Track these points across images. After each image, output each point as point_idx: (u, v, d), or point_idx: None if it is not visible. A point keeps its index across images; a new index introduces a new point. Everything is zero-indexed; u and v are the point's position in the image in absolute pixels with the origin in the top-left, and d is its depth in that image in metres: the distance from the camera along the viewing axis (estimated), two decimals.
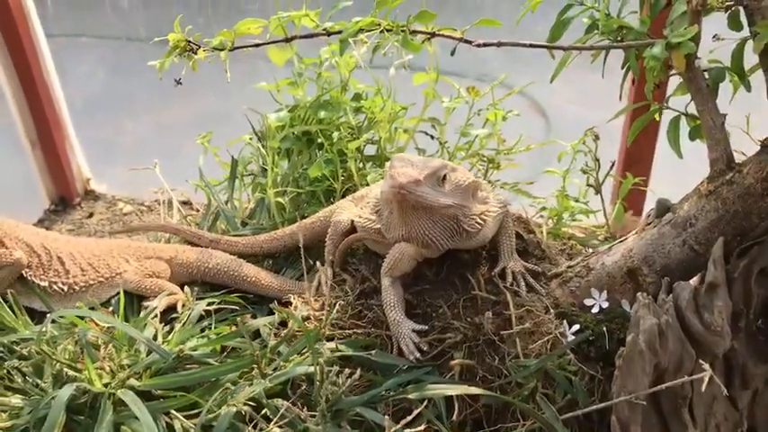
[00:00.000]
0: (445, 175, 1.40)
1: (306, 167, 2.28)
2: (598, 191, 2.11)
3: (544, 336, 1.49)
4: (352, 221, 1.77)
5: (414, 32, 1.36)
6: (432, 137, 2.40)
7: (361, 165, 2.28)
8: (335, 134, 2.19)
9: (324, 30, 1.41)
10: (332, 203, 2.18)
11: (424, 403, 1.30)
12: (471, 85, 2.40)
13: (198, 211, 2.55)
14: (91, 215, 3.06)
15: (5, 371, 1.69)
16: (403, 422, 1.21)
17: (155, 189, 2.51)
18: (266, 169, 2.33)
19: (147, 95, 3.50)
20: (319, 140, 2.29)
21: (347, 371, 1.38)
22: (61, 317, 1.74)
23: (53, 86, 2.90)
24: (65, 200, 3.11)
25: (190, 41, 1.54)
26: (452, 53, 1.39)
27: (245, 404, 1.37)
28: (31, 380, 1.67)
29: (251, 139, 2.39)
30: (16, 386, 1.67)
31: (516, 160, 2.41)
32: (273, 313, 1.76)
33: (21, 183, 3.12)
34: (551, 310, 1.55)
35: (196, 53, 1.54)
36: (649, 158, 2.60)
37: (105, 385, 1.51)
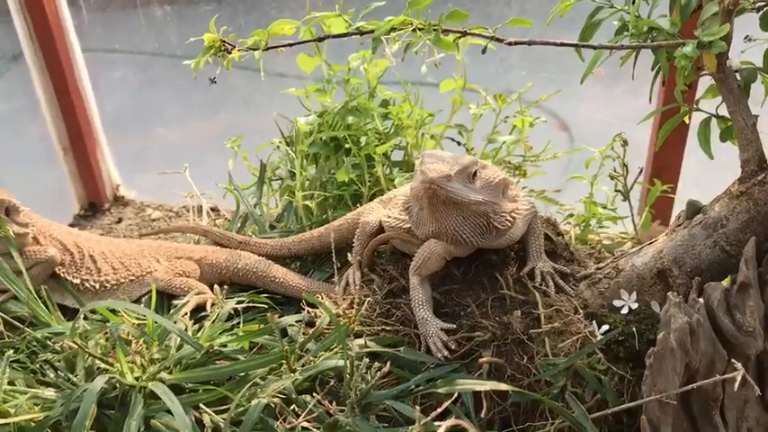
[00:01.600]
0: (476, 172, 1.41)
1: (333, 172, 2.30)
2: (626, 197, 2.10)
3: (573, 335, 1.49)
4: (380, 222, 1.79)
5: (445, 31, 1.38)
6: (458, 143, 2.42)
7: (388, 170, 2.30)
8: (363, 139, 2.22)
9: (356, 29, 1.43)
10: (359, 207, 2.20)
11: (453, 397, 1.30)
12: (498, 93, 2.42)
13: (225, 218, 2.58)
14: (120, 220, 3.10)
15: (38, 365, 1.73)
16: (433, 414, 1.21)
17: (184, 193, 2.55)
18: (294, 174, 2.36)
19: (176, 107, 3.57)
20: (347, 146, 2.31)
21: (377, 365, 1.38)
22: (93, 312, 1.77)
23: (86, 96, 2.96)
24: (95, 205, 3.16)
25: (224, 41, 1.57)
26: (484, 51, 1.40)
27: (274, 397, 1.38)
28: (62, 374, 1.70)
29: (279, 143, 2.42)
30: (48, 380, 1.71)
31: (541, 169, 2.42)
32: (301, 312, 1.77)
33: (52, 188, 3.18)
34: (580, 311, 1.54)
35: (230, 53, 1.57)
36: (677, 166, 2.58)
37: (136, 379, 1.53)
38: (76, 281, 1.89)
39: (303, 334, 1.65)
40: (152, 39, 3.20)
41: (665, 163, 2.60)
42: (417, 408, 1.25)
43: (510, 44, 1.37)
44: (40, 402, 1.63)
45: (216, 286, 1.91)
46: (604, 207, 2.24)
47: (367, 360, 1.39)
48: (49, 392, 1.62)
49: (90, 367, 1.63)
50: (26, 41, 2.78)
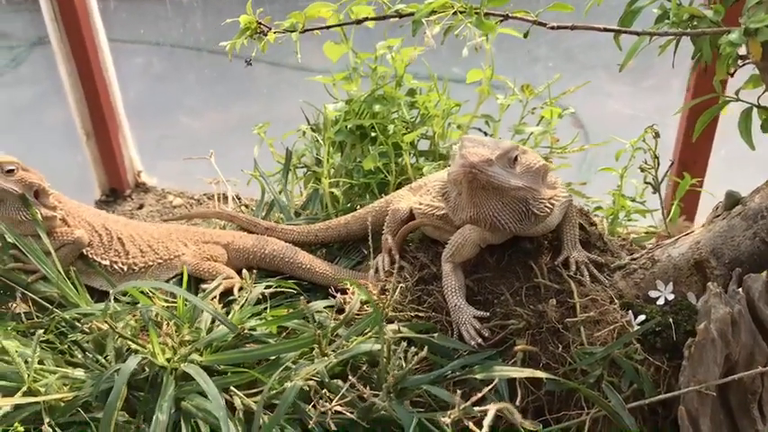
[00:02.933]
0: (516, 157, 1.39)
1: (359, 160, 2.29)
2: (656, 189, 2.07)
3: (609, 325, 1.47)
4: (411, 210, 1.78)
5: (487, 15, 1.37)
6: (485, 133, 2.40)
7: (414, 159, 2.29)
8: (391, 127, 2.20)
9: (396, 12, 1.42)
10: (385, 195, 2.19)
11: (493, 383, 1.29)
12: (526, 83, 2.40)
13: (246, 206, 2.58)
14: (141, 206, 3.11)
15: (66, 345, 1.73)
16: (472, 399, 1.20)
17: (209, 179, 2.54)
18: (320, 161, 2.35)
19: (198, 96, 3.58)
20: (373, 134, 2.30)
21: (413, 349, 1.37)
22: (124, 294, 1.77)
23: (110, 83, 2.97)
24: (116, 191, 3.16)
25: (260, 23, 1.56)
26: (525, 35, 1.39)
27: (308, 380, 1.37)
28: (91, 354, 1.70)
29: (305, 131, 2.41)
30: (77, 360, 1.70)
31: (568, 161, 2.40)
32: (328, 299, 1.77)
33: (74, 173, 3.19)
34: (616, 301, 1.52)
35: (266, 35, 1.56)
36: (704, 161, 2.56)
37: (168, 360, 1.52)
38: (105, 262, 1.88)
39: (334, 320, 1.64)
40: (176, 28, 3.21)
41: (692, 157, 2.58)
42: (458, 392, 1.24)
43: (552, 28, 1.36)
44: (68, 382, 1.63)
45: (245, 271, 1.90)
46: (632, 200, 2.22)
47: (404, 344, 1.38)
48: (79, 372, 1.62)
49: (119, 348, 1.63)
50: (52, 26, 2.79)
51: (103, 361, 1.66)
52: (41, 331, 1.65)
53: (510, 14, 1.38)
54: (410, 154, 2.22)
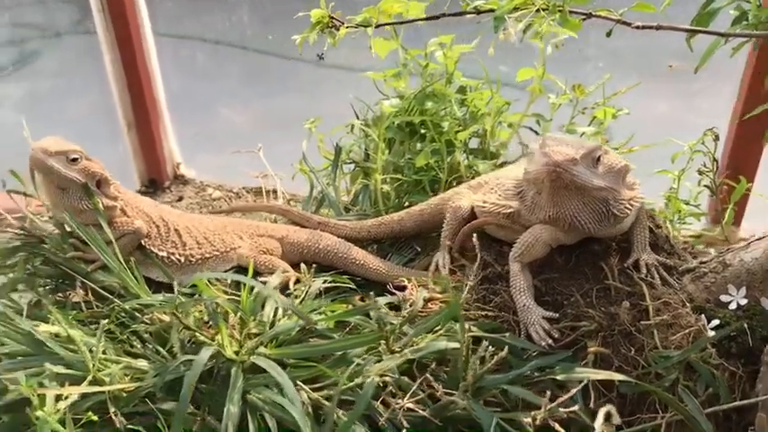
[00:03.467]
0: (599, 157, 1.38)
1: (409, 157, 2.28)
2: (714, 192, 2.06)
3: (683, 329, 1.46)
4: (472, 208, 1.77)
5: (571, 12, 1.35)
6: (536, 132, 2.39)
7: (464, 157, 2.28)
8: (445, 124, 2.19)
9: (474, 8, 1.41)
10: (436, 193, 2.18)
11: (582, 384, 1.28)
12: (577, 83, 2.39)
13: (290, 201, 2.57)
14: (180, 199, 3.11)
15: (125, 335, 1.72)
16: (559, 400, 1.19)
17: (255, 173, 2.54)
18: (368, 157, 2.34)
19: (239, 93, 3.59)
20: (422, 131, 2.30)
21: (491, 348, 1.36)
22: (182, 285, 1.77)
23: (153, 74, 2.97)
24: (155, 182, 3.17)
25: (333, 17, 1.56)
26: (608, 35, 1.37)
27: (383, 376, 1.36)
28: (151, 345, 1.70)
29: (357, 126, 2.40)
30: (136, 351, 1.70)
31: None
32: (384, 295, 1.76)
33: (114, 163, 3.17)
34: (687, 304, 1.51)
35: (338, 30, 1.55)
36: (754, 164, 2.54)
37: (236, 353, 1.52)
38: (162, 253, 1.88)
39: (396, 316, 1.63)
40: (221, 23, 3.21)
41: (743, 161, 2.55)
42: (548, 394, 1.23)
43: (638, 28, 1.34)
44: (129, 372, 1.63)
45: (302, 265, 1.89)
46: (686, 203, 2.20)
47: (485, 343, 1.37)
48: (142, 363, 1.62)
49: (182, 340, 1.62)
50: (99, 16, 2.80)
51: (164, 352, 1.66)
52: (105, 321, 1.64)
53: (593, 13, 1.36)
54: (462, 151, 2.21)
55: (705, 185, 2.08)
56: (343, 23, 1.55)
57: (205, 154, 3.28)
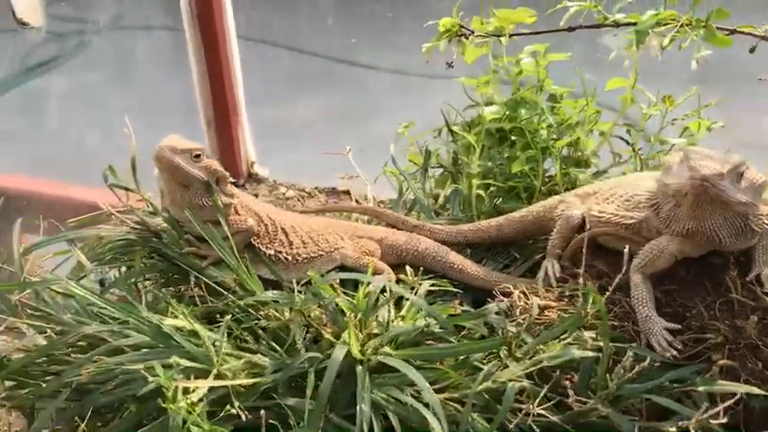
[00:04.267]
0: (743, 172, 1.39)
1: (501, 163, 2.30)
2: None
3: None
4: (583, 217, 1.78)
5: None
6: (627, 142, 2.40)
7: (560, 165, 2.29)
8: (543, 132, 2.21)
9: (613, 21, 1.42)
10: (530, 200, 2.20)
11: (736, 396, 1.29)
12: (667, 94, 2.39)
13: (379, 203, 2.60)
14: (255, 197, 3.15)
15: (239, 331, 1.76)
16: (713, 410, 1.21)
17: (341, 175, 2.57)
18: (457, 161, 2.37)
19: (315, 98, 3.64)
20: (512, 138, 2.32)
21: (630, 357, 1.38)
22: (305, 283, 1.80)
23: (235, 75, 3.03)
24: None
25: (462, 26, 1.58)
26: (752, 50, 1.39)
27: (517, 381, 1.39)
28: (264, 342, 1.73)
29: (440, 131, 2.43)
30: (250, 347, 1.74)
31: None
32: (482, 300, 1.79)
33: None
34: None
35: (467, 38, 1.58)
36: None
37: (361, 352, 1.55)
38: (270, 252, 1.91)
39: (511, 322, 1.65)
40: (303, 27, 3.26)
41: None
42: (705, 404, 1.24)
43: None
44: (246, 367, 1.66)
45: (408, 268, 1.92)
46: None
47: (630, 353, 1.38)
48: (262, 359, 1.65)
49: (303, 338, 1.66)
50: (187, 16, 2.86)
51: (279, 349, 1.69)
52: (228, 317, 1.67)
53: (737, 29, 1.37)
54: (558, 159, 2.23)
55: None
56: (472, 32, 1.57)
57: (278, 153, 3.32)
